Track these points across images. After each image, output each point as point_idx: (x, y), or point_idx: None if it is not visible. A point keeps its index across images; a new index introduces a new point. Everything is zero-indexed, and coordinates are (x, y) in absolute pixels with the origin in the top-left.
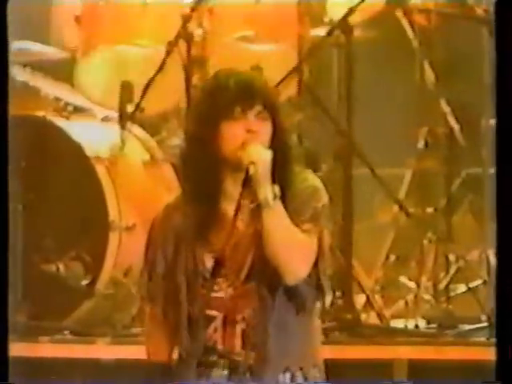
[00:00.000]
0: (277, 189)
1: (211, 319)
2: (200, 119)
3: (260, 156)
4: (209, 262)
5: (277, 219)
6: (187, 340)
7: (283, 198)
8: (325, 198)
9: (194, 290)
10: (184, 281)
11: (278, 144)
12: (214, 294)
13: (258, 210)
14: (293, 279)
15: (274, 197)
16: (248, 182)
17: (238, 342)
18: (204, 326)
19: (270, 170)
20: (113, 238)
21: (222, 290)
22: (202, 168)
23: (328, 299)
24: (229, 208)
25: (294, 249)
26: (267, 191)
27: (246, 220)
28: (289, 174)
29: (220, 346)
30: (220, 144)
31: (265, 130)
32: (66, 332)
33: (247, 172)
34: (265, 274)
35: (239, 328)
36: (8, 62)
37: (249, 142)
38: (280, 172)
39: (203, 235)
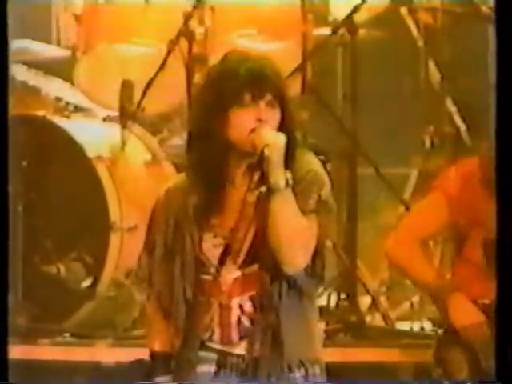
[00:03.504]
0: (289, 175)
1: (209, 306)
2: (208, 105)
3: (275, 139)
4: (208, 248)
5: (285, 206)
6: (183, 328)
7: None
8: (327, 186)
9: (191, 275)
10: (180, 266)
11: (286, 133)
12: (209, 279)
13: (265, 196)
14: (291, 269)
15: (287, 183)
16: (260, 165)
17: (235, 332)
18: (201, 313)
19: (283, 154)
20: (114, 239)
21: (221, 276)
22: (209, 155)
23: (332, 299)
24: (233, 194)
25: (296, 239)
26: (279, 176)
27: (251, 206)
28: (295, 163)
29: (217, 337)
30: (228, 131)
31: (274, 118)
32: (66, 334)
33: (262, 154)
34: (267, 259)
35: (235, 316)
36: (8, 62)
37: (259, 128)
38: (288, 161)
39: (205, 221)
